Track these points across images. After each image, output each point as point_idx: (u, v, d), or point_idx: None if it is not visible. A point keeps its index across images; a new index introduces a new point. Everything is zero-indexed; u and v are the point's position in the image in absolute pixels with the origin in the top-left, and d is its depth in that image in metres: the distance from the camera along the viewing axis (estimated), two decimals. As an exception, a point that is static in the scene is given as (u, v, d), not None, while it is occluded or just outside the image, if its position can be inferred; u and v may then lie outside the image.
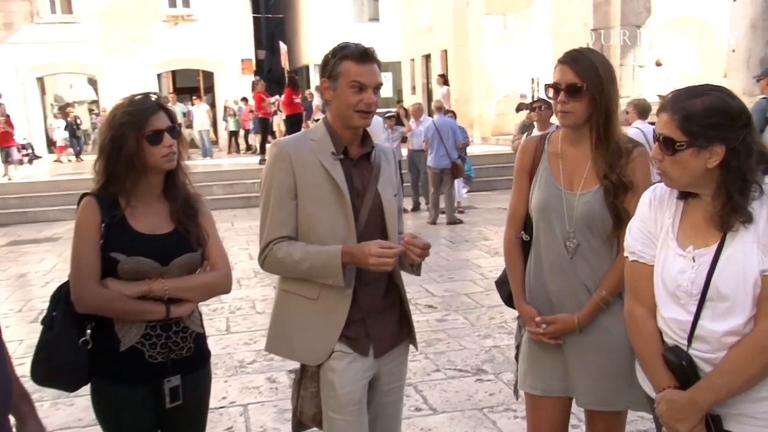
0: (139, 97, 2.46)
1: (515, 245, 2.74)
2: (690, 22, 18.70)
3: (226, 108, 24.69)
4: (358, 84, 2.45)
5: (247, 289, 7.62)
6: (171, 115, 2.47)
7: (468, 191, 14.46)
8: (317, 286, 2.50)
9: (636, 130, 7.29)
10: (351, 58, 2.46)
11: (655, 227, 2.14)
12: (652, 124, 9.07)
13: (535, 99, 10.65)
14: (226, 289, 2.59)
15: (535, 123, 9.46)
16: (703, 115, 1.95)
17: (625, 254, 2.21)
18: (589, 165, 2.56)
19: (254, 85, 19.17)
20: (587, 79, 2.46)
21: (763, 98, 8.02)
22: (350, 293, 2.51)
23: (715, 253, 2.00)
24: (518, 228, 2.72)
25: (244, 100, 24.04)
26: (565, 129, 2.61)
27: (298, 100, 16.29)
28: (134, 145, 2.37)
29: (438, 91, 18.40)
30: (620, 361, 2.53)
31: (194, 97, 23.92)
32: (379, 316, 2.61)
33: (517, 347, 2.82)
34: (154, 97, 2.47)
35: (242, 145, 24.15)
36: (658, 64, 16.69)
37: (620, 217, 2.50)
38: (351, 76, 2.45)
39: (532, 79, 21.56)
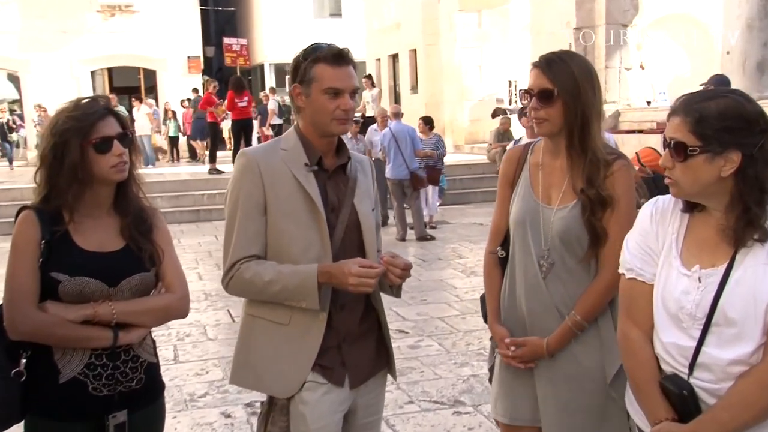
0: (86, 100, 2.44)
1: (493, 261, 2.82)
2: (680, 20, 19.08)
3: (166, 111, 24.51)
4: (334, 89, 2.47)
5: (197, 313, 7.56)
6: (122, 121, 2.46)
7: (440, 204, 14.54)
8: (288, 310, 2.50)
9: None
10: (325, 61, 2.48)
11: (656, 242, 2.16)
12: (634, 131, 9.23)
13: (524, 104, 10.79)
14: (183, 313, 2.57)
15: (525, 130, 9.55)
16: (718, 118, 1.97)
17: (621, 270, 2.23)
18: (567, 178, 2.61)
19: (206, 85, 19.06)
20: (560, 84, 2.52)
21: None
22: (325, 317, 2.51)
23: (724, 273, 2.01)
24: (498, 243, 2.79)
25: (189, 101, 23.91)
26: (545, 139, 2.68)
27: (242, 104, 16.02)
28: (78, 153, 2.35)
29: (367, 95, 18.41)
30: (593, 395, 2.58)
31: (134, 99, 23.65)
32: (355, 343, 2.61)
33: (491, 370, 2.89)
34: (102, 101, 2.45)
35: (186, 153, 23.96)
36: (641, 68, 17.03)
37: (598, 236, 2.55)
38: (326, 81, 2.47)
39: (510, 82, 21.78)
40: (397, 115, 12.30)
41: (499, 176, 2.84)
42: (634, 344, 2.17)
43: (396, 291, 2.65)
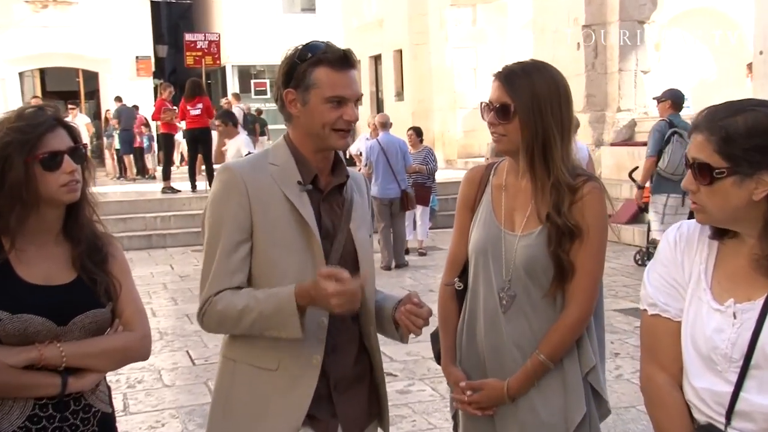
0: (31, 109, 2.44)
1: (449, 294, 2.87)
2: (704, 16, 19.23)
3: (107, 120, 24.40)
4: (338, 98, 2.47)
5: (151, 356, 7.44)
6: (73, 133, 2.46)
7: (430, 228, 14.55)
8: (276, 353, 2.48)
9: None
10: (328, 64, 2.47)
11: (681, 274, 2.17)
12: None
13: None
14: (144, 354, 2.57)
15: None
16: (747, 135, 1.97)
17: (642, 306, 2.24)
18: (532, 201, 2.67)
19: (159, 90, 19.03)
20: (517, 98, 2.60)
21: (663, 121, 9.72)
22: (320, 361, 2.50)
23: (762, 308, 2.01)
24: (456, 273, 2.86)
25: (135, 108, 23.79)
26: (509, 158, 2.75)
27: (195, 111, 15.71)
28: (22, 171, 2.34)
29: (236, 109, 18.62)
30: None
31: (70, 106, 23.31)
32: (348, 390, 2.61)
33: (454, 417, 2.93)
34: (51, 110, 2.45)
35: (134, 168, 23.86)
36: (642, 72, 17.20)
37: (564, 270, 2.60)
38: (329, 88, 2.46)
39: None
40: (385, 125, 12.27)
41: (458, 199, 2.90)
42: (660, 390, 2.17)
43: (402, 336, 2.64)
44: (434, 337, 2.97)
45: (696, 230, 2.19)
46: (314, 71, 2.46)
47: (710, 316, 2.08)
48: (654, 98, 10.24)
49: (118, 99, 23.49)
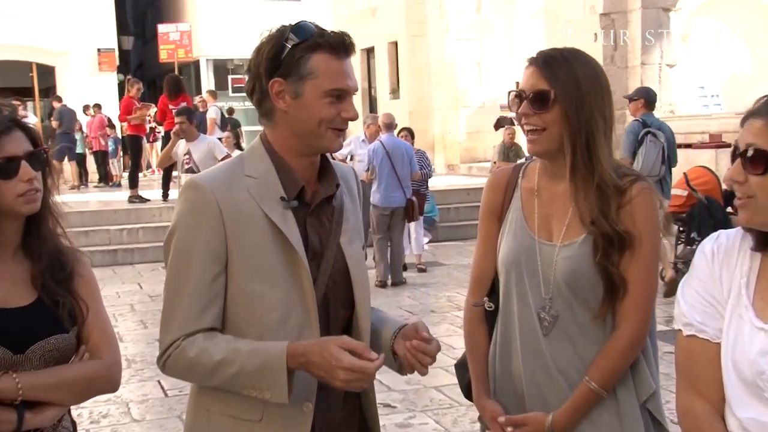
0: None
1: (477, 316, 2.81)
2: (737, 3, 19.22)
3: None
4: (339, 90, 2.36)
5: (117, 385, 7.47)
6: (32, 136, 2.45)
7: (430, 241, 14.55)
8: (259, 402, 2.33)
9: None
10: (327, 50, 2.34)
11: (720, 289, 2.16)
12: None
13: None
14: (113, 385, 2.55)
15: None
16: None
17: (677, 326, 2.23)
18: (572, 206, 2.61)
19: (127, 86, 19.01)
20: (560, 86, 2.53)
21: (636, 121, 10.25)
22: (311, 409, 2.39)
23: None
24: (484, 292, 2.80)
25: (97, 107, 23.73)
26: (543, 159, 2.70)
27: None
28: None
29: (214, 109, 18.87)
30: None
31: (18, 104, 23.26)
32: None
33: None
34: (7, 110, 2.43)
35: (97, 175, 23.83)
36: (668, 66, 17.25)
37: (614, 285, 2.54)
38: (329, 80, 2.34)
39: (517, 84, 21.95)
40: (390, 126, 12.34)
41: (482, 207, 2.83)
42: (699, 421, 2.16)
43: (401, 368, 2.54)
44: (461, 368, 2.90)
45: (736, 240, 2.18)
46: (311, 58, 2.32)
47: (754, 336, 2.07)
48: (624, 97, 10.75)
49: (58, 99, 23.48)
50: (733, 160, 2.08)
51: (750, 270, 2.14)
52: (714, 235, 2.25)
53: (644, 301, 2.57)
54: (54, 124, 23.00)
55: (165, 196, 16.40)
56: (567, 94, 2.53)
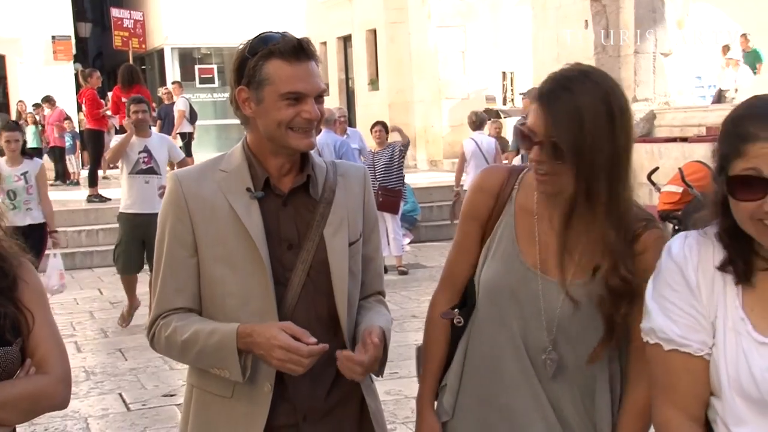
0: None
1: (442, 328, 2.81)
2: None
3: (20, 113, 24.31)
4: (294, 93, 2.57)
5: (76, 399, 7.41)
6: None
7: (411, 242, 14.55)
8: (230, 380, 2.61)
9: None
10: (280, 56, 2.56)
11: (699, 299, 2.14)
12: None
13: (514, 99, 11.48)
14: (61, 402, 2.52)
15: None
16: None
17: (653, 341, 2.21)
18: (582, 242, 2.53)
19: (84, 77, 18.90)
20: (563, 135, 2.42)
21: (524, 117, 10.63)
22: (270, 388, 2.61)
23: None
24: (453, 297, 2.79)
25: (48, 101, 23.56)
26: None
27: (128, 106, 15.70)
28: None
29: (182, 101, 18.98)
30: None
31: None
32: (323, 420, 2.69)
33: None
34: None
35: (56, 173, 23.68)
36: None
37: (615, 333, 2.51)
38: (283, 84, 2.56)
39: (504, 74, 22.02)
40: (327, 122, 12.37)
41: (464, 207, 2.79)
42: None
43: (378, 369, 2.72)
44: (419, 352, 2.94)
45: (708, 243, 2.17)
46: (265, 65, 2.57)
47: (756, 351, 2.07)
48: (520, 93, 11.64)
49: (48, 101, 23.42)
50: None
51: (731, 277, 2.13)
52: (680, 236, 2.24)
53: None
54: (55, 112, 23.01)
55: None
56: (570, 143, 2.41)
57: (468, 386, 2.73)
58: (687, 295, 2.15)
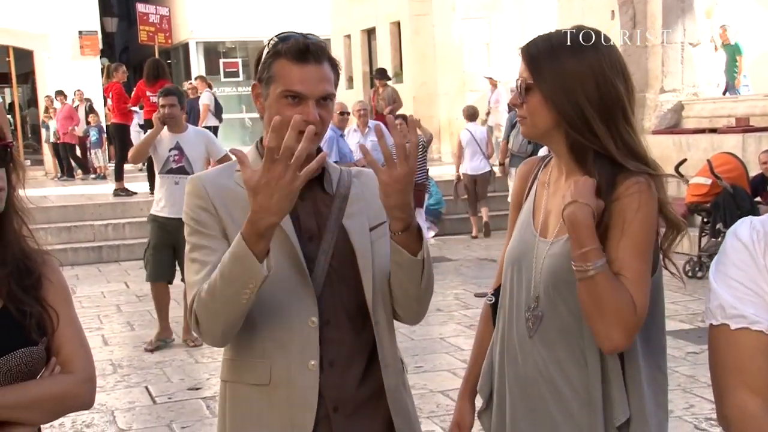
0: None
1: (486, 310, 2.94)
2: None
3: (47, 108, 24.53)
4: (293, 93, 2.62)
5: (103, 393, 7.47)
6: (-5, 126, 2.41)
7: (436, 235, 14.53)
8: (266, 363, 2.64)
9: None
10: (286, 56, 2.63)
11: (765, 279, 2.12)
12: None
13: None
14: (86, 402, 2.52)
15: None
16: None
17: (719, 321, 2.17)
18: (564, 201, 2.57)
19: (110, 71, 18.99)
20: (536, 72, 2.58)
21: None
22: (315, 365, 2.63)
23: None
24: (497, 284, 2.89)
25: (61, 95, 23.70)
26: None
27: (156, 98, 15.66)
28: None
29: (207, 95, 19.18)
30: None
31: None
32: (355, 414, 2.69)
33: None
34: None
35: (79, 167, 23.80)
36: (714, 49, 17.12)
37: None
38: (284, 82, 2.63)
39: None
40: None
41: (510, 196, 2.99)
42: (758, 420, 2.11)
43: (413, 256, 2.62)
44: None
45: None
46: (273, 63, 2.65)
47: None
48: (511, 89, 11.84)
49: (60, 94, 23.58)
50: None
51: None
52: (745, 220, 2.21)
53: (634, 291, 2.45)
54: (67, 108, 23.14)
55: (153, 188, 16.35)
56: (544, 78, 2.56)
57: (498, 358, 2.78)
58: (755, 274, 2.13)
